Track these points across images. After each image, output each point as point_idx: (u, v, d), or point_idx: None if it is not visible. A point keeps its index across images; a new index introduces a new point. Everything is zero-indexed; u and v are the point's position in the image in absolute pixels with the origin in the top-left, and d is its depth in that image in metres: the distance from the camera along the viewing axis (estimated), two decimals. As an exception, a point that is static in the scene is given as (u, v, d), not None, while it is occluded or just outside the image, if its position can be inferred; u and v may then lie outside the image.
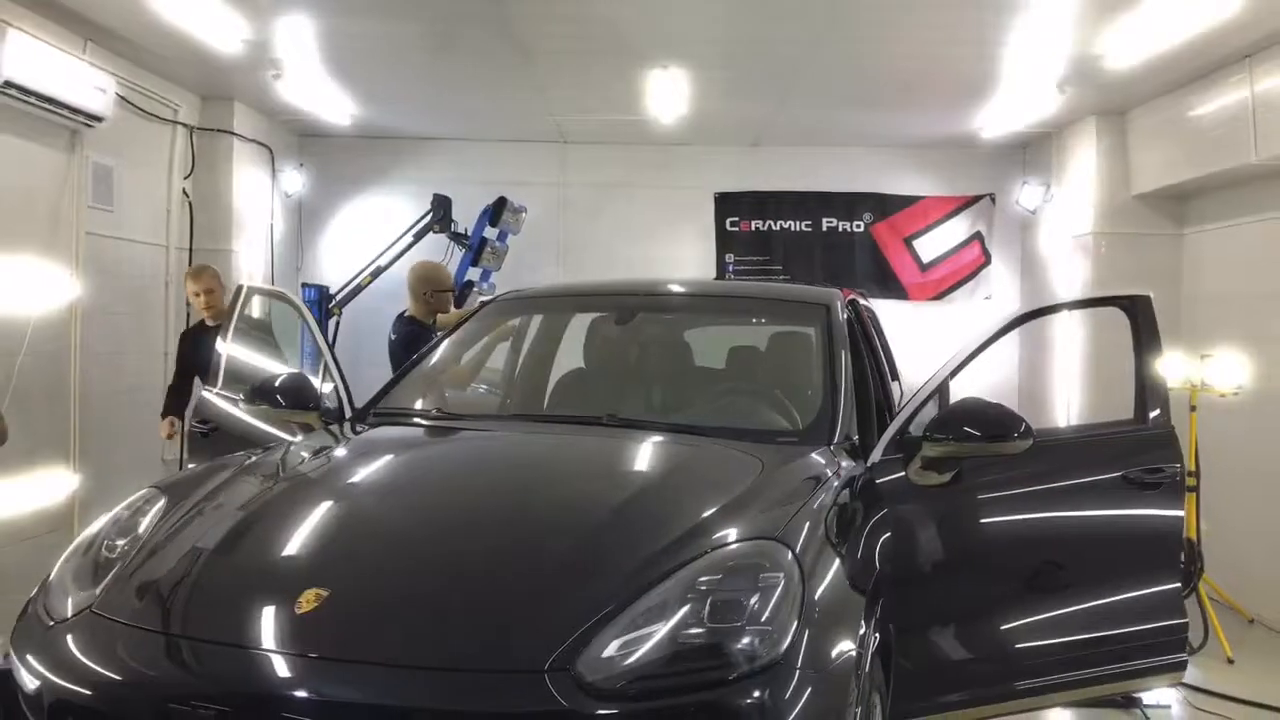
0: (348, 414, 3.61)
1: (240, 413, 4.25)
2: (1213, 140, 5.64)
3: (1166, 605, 3.36)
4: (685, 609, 2.00)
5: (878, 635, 2.35)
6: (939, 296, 8.09)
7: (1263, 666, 4.95)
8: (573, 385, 3.66)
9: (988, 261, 8.11)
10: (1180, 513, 3.42)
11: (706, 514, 2.32)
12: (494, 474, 2.75)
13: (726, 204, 8.09)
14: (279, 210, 7.50)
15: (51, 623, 2.21)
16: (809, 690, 1.94)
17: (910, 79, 6.16)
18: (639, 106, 6.63)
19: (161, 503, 2.62)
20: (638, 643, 1.93)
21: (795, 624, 2.00)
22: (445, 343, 3.88)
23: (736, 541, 2.17)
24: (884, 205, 8.07)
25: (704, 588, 2.04)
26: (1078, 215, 7.05)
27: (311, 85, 6.23)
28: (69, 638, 2.13)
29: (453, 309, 5.41)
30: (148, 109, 5.94)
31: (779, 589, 2.05)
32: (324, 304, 7.32)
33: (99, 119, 5.05)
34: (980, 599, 3.20)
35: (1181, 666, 3.41)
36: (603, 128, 7.50)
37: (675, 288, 3.99)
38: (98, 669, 2.03)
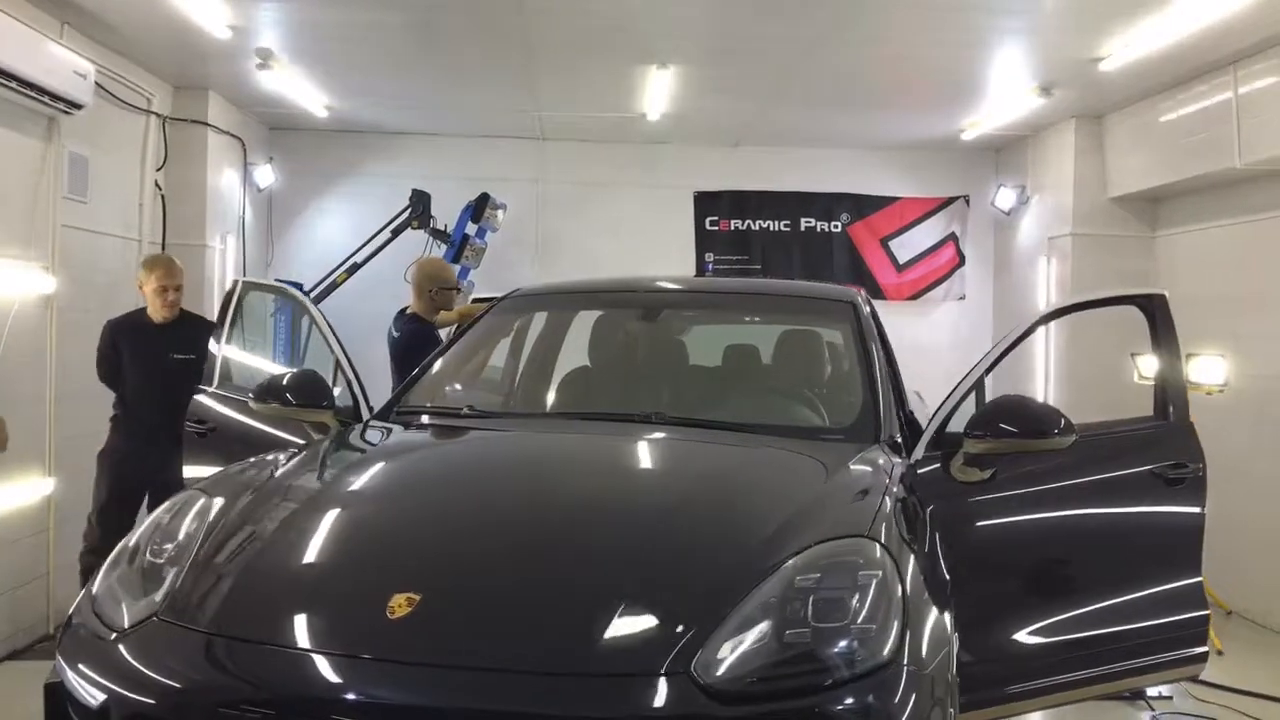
0: (364, 413, 3.51)
1: (231, 412, 4.12)
2: (1195, 144, 5.78)
3: (1190, 598, 3.42)
4: (788, 608, 1.96)
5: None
6: (915, 296, 8.18)
7: (1249, 657, 5.10)
8: (599, 383, 3.59)
9: (962, 262, 8.22)
10: (1202, 508, 3.49)
11: (790, 512, 2.28)
12: (568, 473, 2.67)
13: (706, 203, 8.08)
14: (248, 204, 7.27)
15: (111, 634, 2.09)
16: (918, 688, 1.91)
17: (894, 83, 6.23)
18: (625, 103, 6.58)
19: (200, 504, 2.49)
20: (748, 643, 1.88)
21: (896, 622, 1.97)
22: (462, 340, 3.79)
23: (828, 539, 2.13)
24: (861, 206, 8.14)
25: (803, 586, 2.00)
26: (1054, 217, 7.18)
27: (292, 76, 6.06)
28: (136, 648, 2.01)
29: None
30: (122, 97, 5.70)
31: (877, 586, 2.02)
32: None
33: (78, 106, 4.83)
34: (1019, 593, 3.22)
35: (1203, 659, 3.47)
36: (584, 125, 7.43)
37: (700, 285, 3.96)
38: (178, 680, 1.92)
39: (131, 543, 2.41)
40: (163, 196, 6.27)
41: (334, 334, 3.98)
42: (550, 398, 3.53)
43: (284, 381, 3.60)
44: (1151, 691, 4.42)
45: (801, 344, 3.69)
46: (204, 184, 6.49)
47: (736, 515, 2.29)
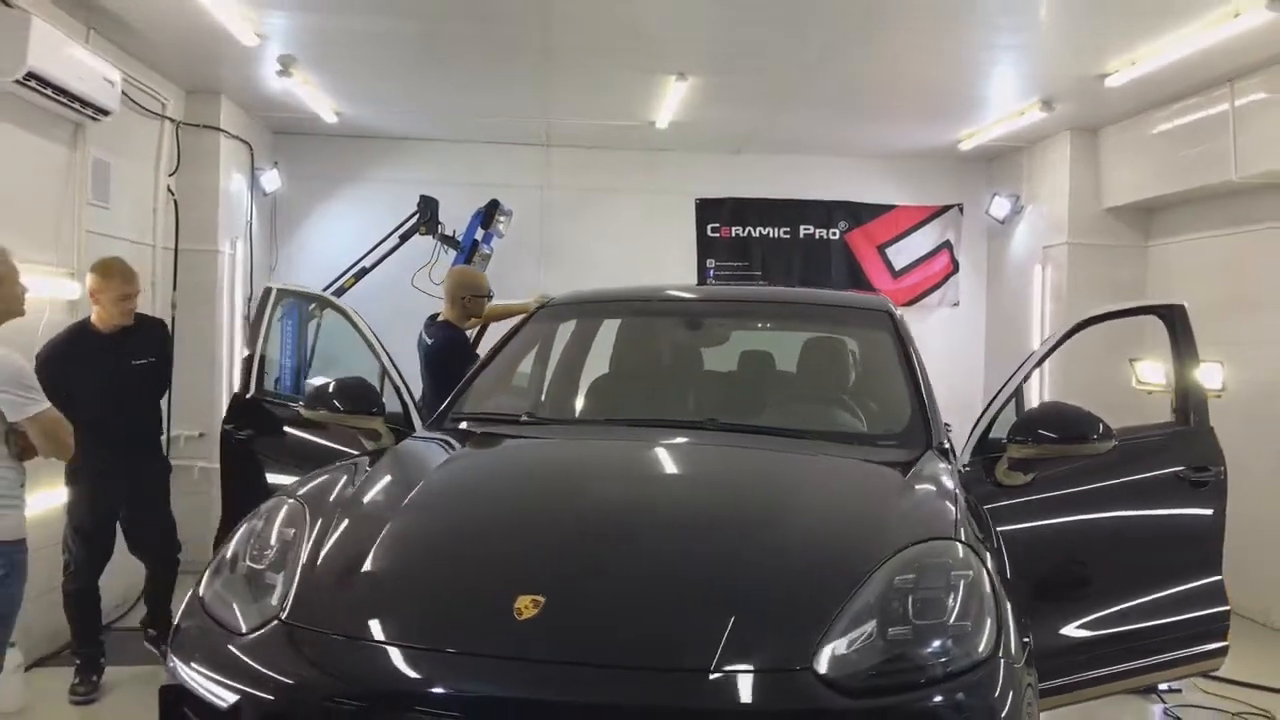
0: (415, 420, 3.58)
1: (274, 418, 4.16)
2: (1192, 157, 6.00)
3: (1212, 594, 3.59)
4: (889, 607, 2.07)
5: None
6: (910, 303, 8.35)
7: (1246, 650, 5.27)
8: (649, 390, 3.69)
9: (956, 269, 8.42)
10: (1223, 509, 3.66)
11: (875, 515, 2.40)
12: (657, 479, 2.77)
13: (707, 210, 8.20)
14: (254, 209, 7.28)
15: (233, 637, 2.15)
16: (1014, 681, 2.03)
17: (897, 95, 6.40)
18: (637, 111, 6.68)
19: (291, 510, 2.56)
20: (859, 641, 1.99)
21: (989, 619, 2.09)
22: (507, 348, 3.87)
23: (919, 541, 2.25)
24: (858, 213, 8.31)
25: (901, 586, 2.12)
26: (1049, 226, 7.39)
27: (308, 82, 6.08)
28: (264, 650, 2.08)
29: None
30: (140, 102, 5.70)
31: (970, 585, 2.14)
32: (304, 306, 7.15)
33: (106, 113, 4.84)
34: (1058, 591, 3.37)
35: (1224, 652, 3.64)
36: (590, 131, 7.52)
37: (738, 294, 4.07)
38: (312, 680, 2.00)
39: (229, 552, 2.47)
40: (175, 201, 6.27)
41: (380, 343, 4.05)
42: (604, 405, 3.60)
43: (332, 388, 3.65)
44: (1162, 685, 4.59)
45: (843, 351, 3.81)
46: (216, 188, 6.49)
47: (826, 519, 2.40)
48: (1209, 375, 5.58)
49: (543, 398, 3.84)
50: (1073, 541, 3.45)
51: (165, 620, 4.49)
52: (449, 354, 4.75)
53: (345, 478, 2.72)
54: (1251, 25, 4.46)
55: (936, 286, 8.44)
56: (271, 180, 7.31)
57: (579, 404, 3.71)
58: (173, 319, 6.11)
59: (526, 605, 2.01)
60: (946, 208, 8.38)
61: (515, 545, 2.32)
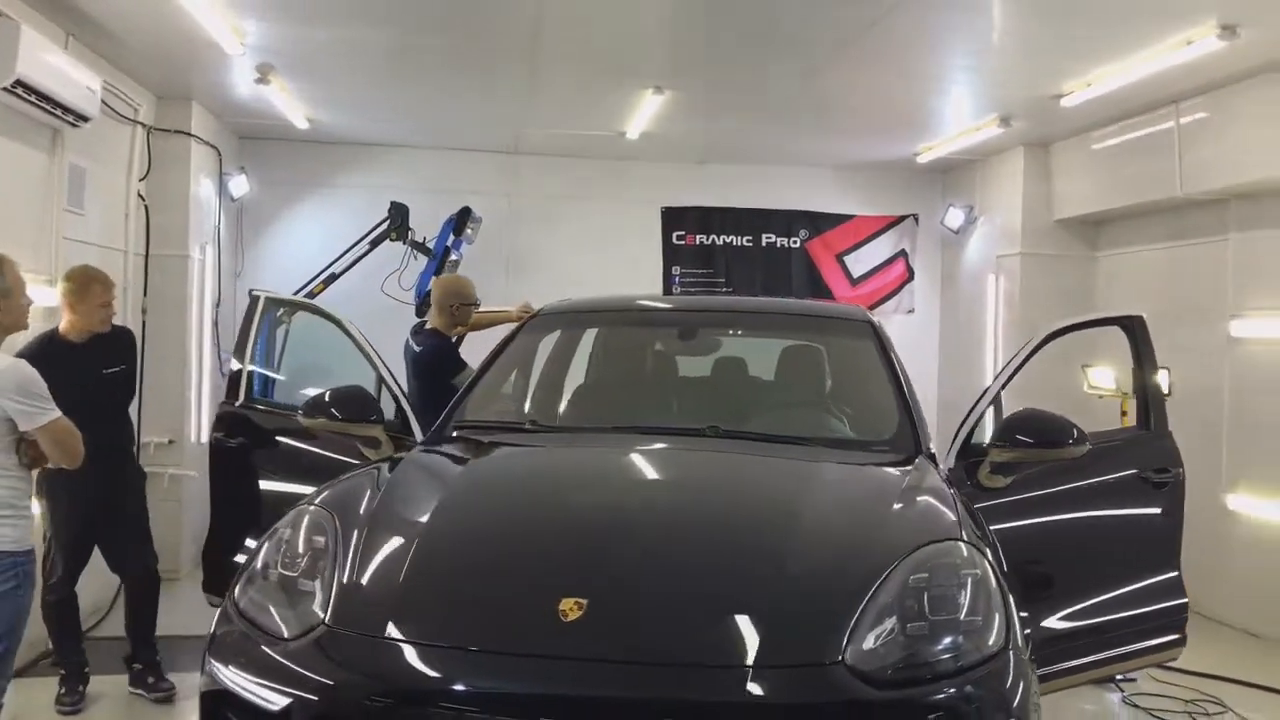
0: (414, 428, 3.66)
1: (267, 427, 4.19)
2: (1140, 173, 6.32)
3: (1172, 589, 3.83)
4: (905, 605, 2.23)
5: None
6: (868, 309, 8.58)
7: (1194, 640, 5.58)
8: (644, 397, 3.81)
9: (911, 277, 8.68)
10: (1182, 508, 3.92)
11: (883, 518, 2.55)
12: (678, 483, 2.90)
13: (672, 218, 8.35)
14: (222, 214, 7.24)
15: (278, 643, 2.22)
16: (1023, 672, 2.21)
17: (862, 111, 6.62)
18: (610, 122, 6.80)
19: (316, 518, 2.63)
20: (883, 636, 2.14)
21: (998, 614, 2.26)
22: (502, 356, 3.95)
23: (928, 543, 2.41)
24: (818, 223, 8.53)
25: (916, 585, 2.28)
26: (1003, 237, 7.68)
27: (283, 89, 6.08)
28: (312, 655, 2.15)
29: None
30: (114, 108, 5.66)
31: (979, 583, 2.31)
32: (275, 312, 7.13)
33: (86, 119, 4.82)
34: (1037, 588, 3.56)
35: (1184, 642, 3.89)
36: (559, 140, 7.62)
37: (723, 304, 4.21)
38: (363, 683, 2.08)
39: (259, 561, 2.53)
40: (146, 207, 6.22)
41: (376, 352, 4.10)
42: (607, 413, 3.70)
43: (329, 397, 3.71)
44: (1118, 675, 4.84)
45: (833, 359, 3.97)
46: (186, 194, 6.46)
47: (839, 522, 2.55)
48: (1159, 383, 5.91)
49: (543, 406, 3.94)
50: (1045, 540, 3.66)
51: (150, 652, 4.43)
52: (438, 362, 4.81)
53: (367, 487, 2.79)
54: (1201, 53, 4.74)
55: (892, 294, 8.69)
56: (239, 185, 7.28)
57: (581, 412, 3.81)
58: (143, 325, 6.06)
59: (571, 607, 2.12)
60: (902, 218, 8.64)
61: (553, 550, 2.43)
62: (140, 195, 6.18)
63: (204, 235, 6.78)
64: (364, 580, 2.32)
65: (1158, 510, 3.85)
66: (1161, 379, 5.80)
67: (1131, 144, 6.41)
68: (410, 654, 2.11)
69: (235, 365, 4.36)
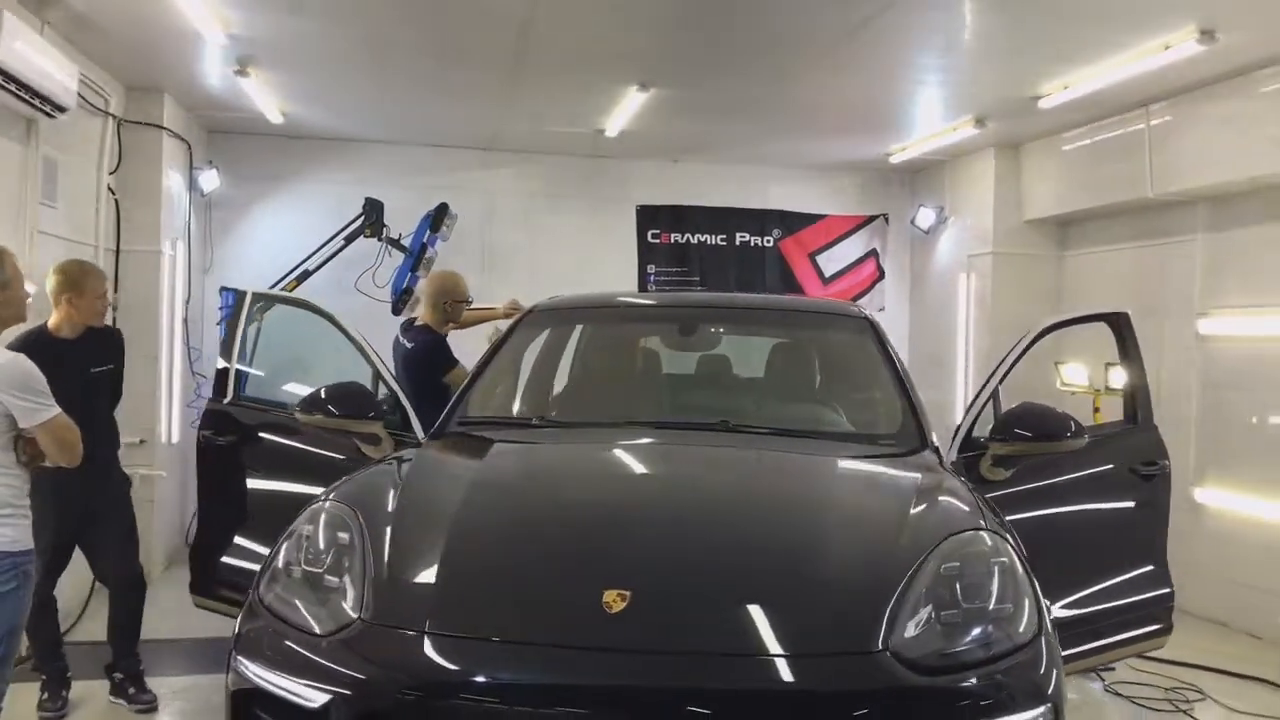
0: (414, 424, 3.62)
1: (258, 423, 4.13)
2: (1109, 174, 6.47)
3: (1159, 578, 3.93)
4: (938, 593, 2.26)
5: None
6: (842, 307, 8.69)
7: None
8: (651, 391, 3.82)
9: (881, 276, 8.79)
10: (1169, 499, 4.02)
11: (908, 509, 2.58)
12: (704, 477, 2.90)
13: (647, 216, 8.36)
14: (191, 210, 7.09)
15: (313, 640, 2.18)
16: (1056, 656, 2.25)
17: (838, 112, 6.69)
18: (591, 120, 6.79)
19: (335, 514, 2.59)
20: (921, 624, 2.17)
21: (1028, 600, 2.31)
22: (502, 351, 3.93)
23: (956, 533, 2.44)
24: (790, 222, 8.60)
25: (947, 574, 2.31)
26: (974, 237, 7.81)
27: (266, 81, 5.98)
28: (353, 651, 2.12)
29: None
30: (86, 99, 5.51)
31: (1008, 571, 2.35)
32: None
33: (63, 109, 4.69)
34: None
35: (1169, 631, 3.99)
36: (537, 137, 7.58)
37: (721, 300, 4.23)
38: (409, 677, 2.06)
39: (280, 559, 2.49)
40: (116, 201, 6.07)
41: (372, 348, 4.06)
42: (614, 408, 3.68)
43: (324, 394, 3.67)
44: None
45: (836, 355, 4.01)
46: (159, 188, 6.31)
47: (867, 514, 2.58)
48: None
49: (549, 401, 3.92)
50: (1042, 531, 3.72)
51: (133, 662, 4.33)
52: (431, 359, 4.77)
53: (387, 482, 2.77)
54: (1178, 57, 4.86)
55: (864, 293, 8.79)
56: (210, 180, 7.13)
57: (588, 407, 3.80)
58: (114, 322, 5.91)
59: (614, 599, 2.12)
60: (873, 217, 8.74)
61: (591, 542, 2.42)
62: (110, 189, 6.03)
63: (175, 231, 6.64)
64: (399, 575, 2.30)
65: (1145, 502, 3.94)
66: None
67: (1102, 145, 6.56)
68: (454, 647, 2.10)
69: (222, 363, 4.29)
